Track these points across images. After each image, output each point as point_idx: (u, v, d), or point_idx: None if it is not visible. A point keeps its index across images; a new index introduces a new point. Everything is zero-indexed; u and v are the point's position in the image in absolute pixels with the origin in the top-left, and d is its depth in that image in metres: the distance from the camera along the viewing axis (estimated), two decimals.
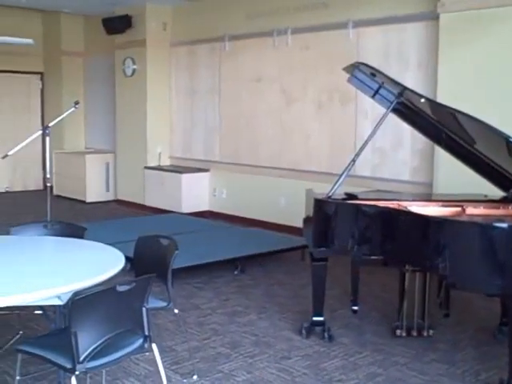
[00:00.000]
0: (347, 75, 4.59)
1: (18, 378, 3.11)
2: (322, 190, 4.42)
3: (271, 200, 8.06)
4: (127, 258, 3.41)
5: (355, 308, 4.90)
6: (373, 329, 4.57)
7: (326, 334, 4.33)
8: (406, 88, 4.17)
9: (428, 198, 5.43)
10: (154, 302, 3.44)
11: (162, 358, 3.14)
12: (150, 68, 9.50)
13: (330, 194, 4.23)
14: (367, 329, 4.58)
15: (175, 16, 9.51)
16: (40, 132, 5.30)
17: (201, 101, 9.22)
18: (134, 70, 9.70)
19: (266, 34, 8.04)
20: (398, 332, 4.35)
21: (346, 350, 4.18)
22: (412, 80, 6.32)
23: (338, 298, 5.17)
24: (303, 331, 4.39)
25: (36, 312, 4.14)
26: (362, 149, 4.30)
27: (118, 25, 9.58)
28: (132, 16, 9.49)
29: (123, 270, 3.21)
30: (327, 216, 4.20)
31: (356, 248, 4.08)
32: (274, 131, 8.12)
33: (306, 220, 4.50)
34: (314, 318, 4.39)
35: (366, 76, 4.45)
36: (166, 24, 9.54)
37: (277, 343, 4.28)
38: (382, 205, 4.10)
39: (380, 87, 4.47)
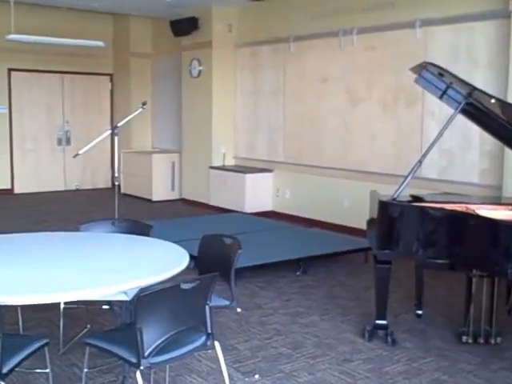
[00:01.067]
0: (414, 75, 4.51)
1: (85, 370, 3.21)
2: (387, 191, 4.37)
3: (335, 201, 8.01)
4: (191, 257, 3.47)
5: (419, 312, 4.81)
6: (437, 334, 4.48)
7: (389, 338, 4.27)
8: (475, 88, 4.06)
9: (497, 201, 5.26)
10: (217, 301, 3.48)
11: (224, 356, 3.16)
12: (215, 69, 9.61)
13: (395, 196, 4.17)
14: (432, 334, 4.49)
15: (240, 17, 9.59)
16: (109, 132, 5.44)
17: (265, 101, 9.25)
18: (199, 71, 9.83)
19: (331, 34, 7.99)
20: (464, 338, 4.24)
21: (410, 354, 4.11)
22: (481, 80, 6.15)
23: (401, 301, 5.08)
24: (366, 334, 4.35)
25: (103, 307, 4.27)
26: (428, 150, 4.22)
27: (184, 27, 9.74)
28: (198, 18, 9.62)
29: (187, 268, 3.26)
30: (392, 218, 4.14)
31: (421, 251, 4.01)
32: (338, 132, 8.07)
33: (370, 222, 4.45)
34: (377, 322, 4.34)
35: (434, 76, 4.36)
36: (231, 25, 9.63)
37: (339, 345, 4.25)
38: (449, 208, 4.01)
39: (448, 87, 4.37)
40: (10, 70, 10.73)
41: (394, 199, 4.16)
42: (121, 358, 2.82)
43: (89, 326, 4.36)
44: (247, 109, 9.62)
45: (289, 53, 8.73)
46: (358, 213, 6.16)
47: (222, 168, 9.60)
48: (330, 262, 6.40)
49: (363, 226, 4.66)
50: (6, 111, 10.77)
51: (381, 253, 4.22)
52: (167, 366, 3.55)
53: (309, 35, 8.34)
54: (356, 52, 7.75)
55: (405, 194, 4.25)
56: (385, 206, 4.16)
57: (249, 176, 9.05)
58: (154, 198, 10.37)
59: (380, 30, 7.39)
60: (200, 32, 9.67)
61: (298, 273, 5.99)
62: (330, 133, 8.18)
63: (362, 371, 3.83)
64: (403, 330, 4.53)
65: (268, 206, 9.19)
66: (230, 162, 9.86)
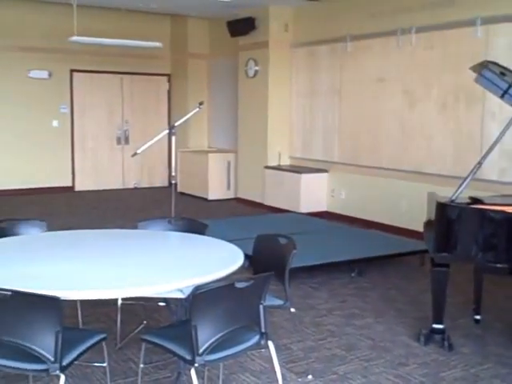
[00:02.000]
0: (474, 75, 4.41)
1: (141, 365, 3.27)
2: (445, 193, 4.29)
3: (391, 202, 7.91)
4: (246, 256, 3.49)
5: (477, 317, 4.70)
6: (496, 340, 4.36)
7: (445, 343, 4.18)
8: None
9: None
10: (271, 300, 3.48)
11: (277, 356, 3.17)
12: (271, 69, 9.62)
13: (454, 198, 4.08)
14: (490, 340, 4.38)
15: (296, 17, 9.57)
16: (166, 131, 5.51)
17: (321, 101, 9.21)
18: (256, 71, 9.87)
19: (389, 33, 7.89)
20: None
21: (467, 360, 4.02)
22: None
23: (459, 306, 4.97)
24: (421, 338, 4.28)
25: (159, 304, 4.34)
26: (488, 151, 4.12)
27: (241, 27, 9.79)
28: (255, 18, 9.66)
29: (242, 267, 3.28)
30: (450, 220, 4.06)
31: (480, 255, 3.92)
32: (395, 132, 7.96)
33: (427, 224, 4.38)
34: (434, 326, 4.26)
35: (495, 75, 4.25)
36: (288, 25, 9.63)
37: (394, 348, 4.20)
38: (509, 210, 3.90)
39: (510, 87, 4.25)
40: (72, 70, 11.03)
41: (453, 201, 4.08)
42: (176, 354, 2.86)
43: (145, 322, 4.44)
44: (303, 109, 9.59)
45: (345, 52, 8.66)
46: (414, 215, 6.07)
47: (278, 168, 9.61)
48: (385, 264, 6.32)
49: (420, 228, 4.58)
50: (68, 111, 11.08)
51: (438, 256, 4.14)
52: (221, 364, 3.58)
53: (366, 34, 8.25)
54: (414, 51, 7.62)
55: (463, 196, 4.16)
56: (443, 208, 4.08)
57: (304, 176, 9.03)
58: (210, 197, 10.47)
59: (439, 28, 7.25)
60: (256, 32, 9.71)
61: (352, 274, 5.94)
62: (386, 133, 8.08)
63: (417, 376, 3.77)
64: (460, 335, 4.43)
65: (323, 207, 9.15)
66: (286, 161, 9.86)
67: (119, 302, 4.21)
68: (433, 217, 4.16)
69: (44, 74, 10.77)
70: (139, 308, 4.65)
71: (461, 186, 4.08)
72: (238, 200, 10.44)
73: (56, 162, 11.03)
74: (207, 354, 2.75)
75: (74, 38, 9.27)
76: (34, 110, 10.72)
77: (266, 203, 9.68)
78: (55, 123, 10.97)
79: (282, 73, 9.70)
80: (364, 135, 8.44)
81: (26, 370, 2.70)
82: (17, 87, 10.53)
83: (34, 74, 10.67)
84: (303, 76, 9.53)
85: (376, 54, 8.18)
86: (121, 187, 11.68)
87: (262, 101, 9.74)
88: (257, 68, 9.84)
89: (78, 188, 11.29)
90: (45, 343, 2.61)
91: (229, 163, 10.65)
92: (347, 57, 8.66)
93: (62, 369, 2.65)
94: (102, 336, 2.99)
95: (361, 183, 8.50)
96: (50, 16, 10.40)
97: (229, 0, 8.97)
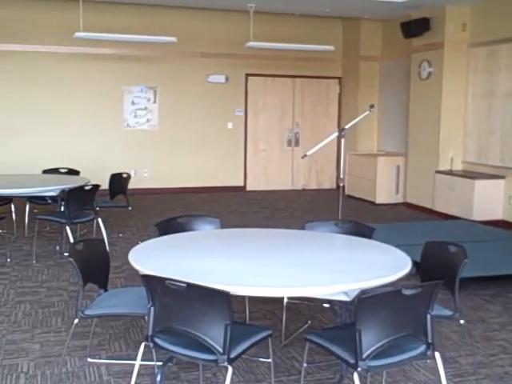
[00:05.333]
0: None
1: (305, 365, 3.33)
2: None
3: None
4: (413, 262, 3.41)
5: None
6: None
7: None
8: None
9: None
10: (438, 310, 3.37)
11: (443, 369, 3.06)
12: (446, 70, 9.28)
13: None
14: None
15: (474, 16, 9.12)
16: (336, 134, 5.54)
17: (499, 103, 8.70)
18: (429, 73, 9.57)
19: None
20: None
21: None
22: None
23: None
24: None
25: (324, 305, 4.38)
26: None
27: (415, 28, 9.56)
28: (430, 18, 9.37)
29: (409, 273, 3.21)
30: None
31: None
32: None
33: None
34: None
35: None
36: (465, 24, 9.21)
37: None
38: None
39: None
40: (247, 75, 11.47)
41: None
42: (339, 357, 2.87)
43: (309, 322, 4.50)
44: (479, 111, 9.13)
45: None
46: None
47: (449, 173, 9.24)
48: None
49: None
50: (242, 114, 11.54)
51: None
52: (384, 371, 3.53)
53: None
54: None
55: None
56: None
57: (478, 182, 8.59)
58: (378, 201, 10.33)
59: None
60: (431, 33, 9.41)
61: None
62: None
63: None
64: None
65: (498, 215, 8.64)
66: (458, 166, 9.45)
67: (285, 300, 4.32)
68: None
69: (221, 79, 11.31)
70: (304, 307, 4.72)
71: None
72: (406, 205, 10.19)
73: (229, 163, 11.55)
74: (371, 359, 2.73)
75: (251, 44, 9.64)
76: (212, 112, 11.30)
77: (435, 209, 9.35)
78: (230, 125, 11.49)
79: (457, 74, 9.31)
80: None
81: (196, 358, 2.86)
82: (196, 91, 11.17)
83: (213, 78, 11.25)
84: (481, 77, 9.07)
85: None
86: (289, 188, 11.92)
87: (435, 103, 9.42)
88: (430, 69, 9.54)
89: (249, 188, 11.71)
90: (215, 335, 2.75)
91: (398, 167, 10.43)
92: None
93: (230, 361, 2.77)
94: (268, 332, 3.08)
95: None
96: (227, 23, 10.90)
97: (403, 1, 8.79)
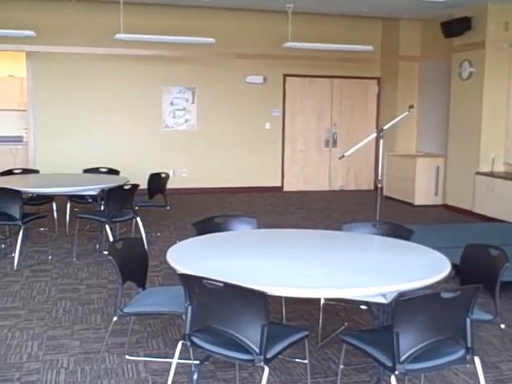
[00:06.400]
0: None
1: (341, 366, 3.31)
2: None
3: None
4: (452, 265, 3.36)
5: None
6: None
7: None
8: None
9: None
10: (478, 314, 3.31)
11: (483, 374, 3.01)
12: (487, 70, 9.12)
13: None
14: None
15: None
16: (374, 135, 5.50)
17: None
18: (470, 73, 9.42)
19: None
20: None
21: None
22: None
23: None
24: None
25: (361, 307, 4.35)
26: None
27: (456, 27, 9.41)
28: (471, 17, 9.22)
29: (448, 276, 3.17)
30: None
31: None
32: None
33: None
34: None
35: None
36: (508, 24, 9.04)
37: None
38: None
39: None
40: (285, 75, 11.46)
41: None
42: (376, 359, 2.85)
43: (346, 323, 4.48)
44: None
45: None
46: None
47: (490, 174, 9.07)
48: None
49: None
50: (280, 114, 11.54)
51: None
52: (422, 375, 3.49)
53: None
54: None
55: None
56: None
57: None
58: (416, 202, 10.20)
59: None
60: (472, 32, 9.26)
61: None
62: None
63: None
64: None
65: None
66: (500, 168, 9.28)
67: (322, 301, 4.30)
68: None
69: (259, 79, 11.33)
70: (340, 309, 4.70)
71: None
72: (445, 206, 10.05)
73: (267, 163, 11.55)
74: (408, 362, 2.71)
75: (289, 44, 9.63)
76: (250, 112, 11.33)
77: (475, 211, 9.20)
78: (268, 126, 11.49)
79: (499, 74, 9.14)
80: None
81: (233, 358, 2.87)
82: (234, 91, 11.21)
83: (251, 79, 11.27)
84: None
85: None
86: (327, 189, 11.87)
87: (476, 103, 9.26)
88: (471, 69, 9.39)
89: (286, 188, 11.69)
90: (251, 335, 2.76)
91: (437, 168, 10.29)
92: None
93: (266, 361, 2.77)
94: (305, 333, 3.08)
95: None
96: (265, 24, 10.91)
97: (443, 0, 8.67)
